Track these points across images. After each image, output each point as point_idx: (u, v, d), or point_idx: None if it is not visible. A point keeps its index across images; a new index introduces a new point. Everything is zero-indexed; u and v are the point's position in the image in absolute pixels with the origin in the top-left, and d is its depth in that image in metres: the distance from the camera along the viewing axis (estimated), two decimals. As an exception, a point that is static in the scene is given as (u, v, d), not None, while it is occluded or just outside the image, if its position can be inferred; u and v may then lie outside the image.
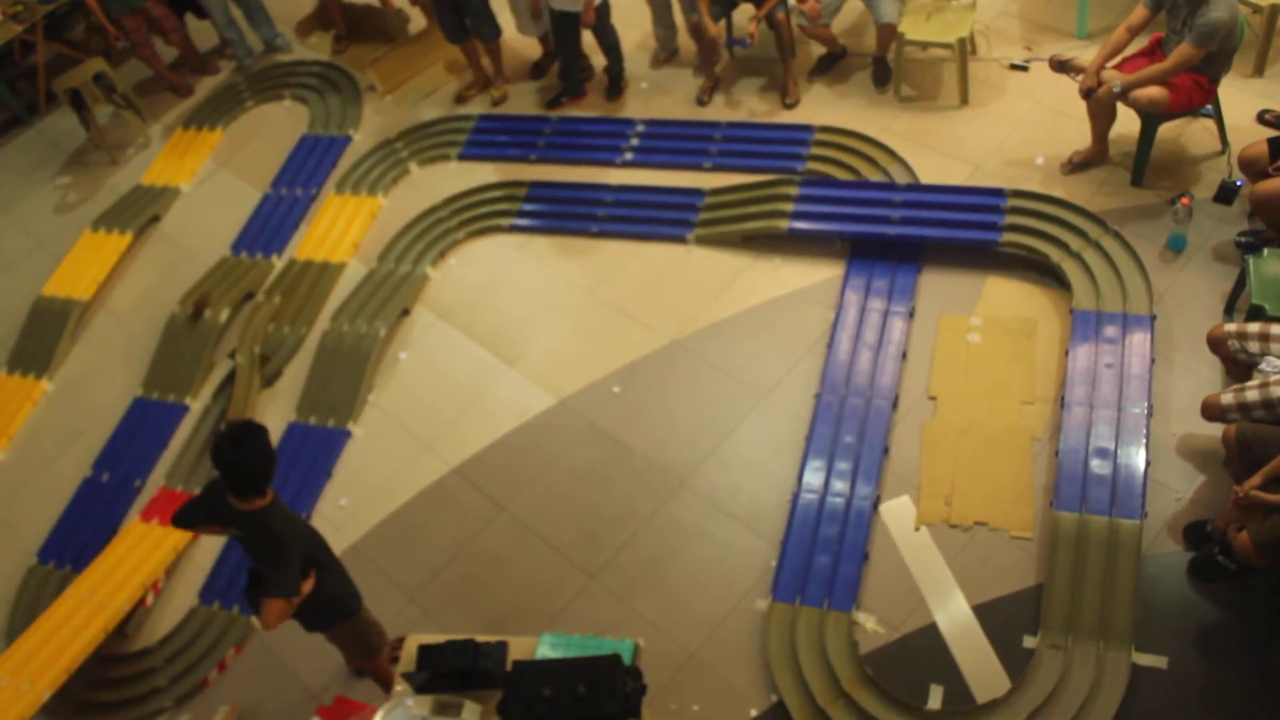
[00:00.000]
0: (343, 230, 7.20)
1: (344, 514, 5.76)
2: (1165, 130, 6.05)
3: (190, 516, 4.32)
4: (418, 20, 8.40)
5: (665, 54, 7.81)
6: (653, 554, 5.28)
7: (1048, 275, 5.87)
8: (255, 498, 3.98)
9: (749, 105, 7.32)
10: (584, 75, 7.73)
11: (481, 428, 5.94)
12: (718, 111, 7.34)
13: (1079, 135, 6.33)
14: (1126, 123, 6.08)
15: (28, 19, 8.59)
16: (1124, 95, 5.72)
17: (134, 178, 8.15)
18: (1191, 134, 6.35)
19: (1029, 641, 4.62)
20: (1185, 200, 5.72)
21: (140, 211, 7.75)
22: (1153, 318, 5.46)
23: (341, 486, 5.90)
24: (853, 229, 6.23)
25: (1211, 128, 6.21)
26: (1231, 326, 4.84)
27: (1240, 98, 6.35)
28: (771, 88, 7.38)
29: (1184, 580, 4.70)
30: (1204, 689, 4.41)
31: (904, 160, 6.56)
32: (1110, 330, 5.46)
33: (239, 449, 3.89)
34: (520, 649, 4.23)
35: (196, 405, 6.49)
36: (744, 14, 7.08)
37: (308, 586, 4.15)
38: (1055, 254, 5.81)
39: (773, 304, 6.14)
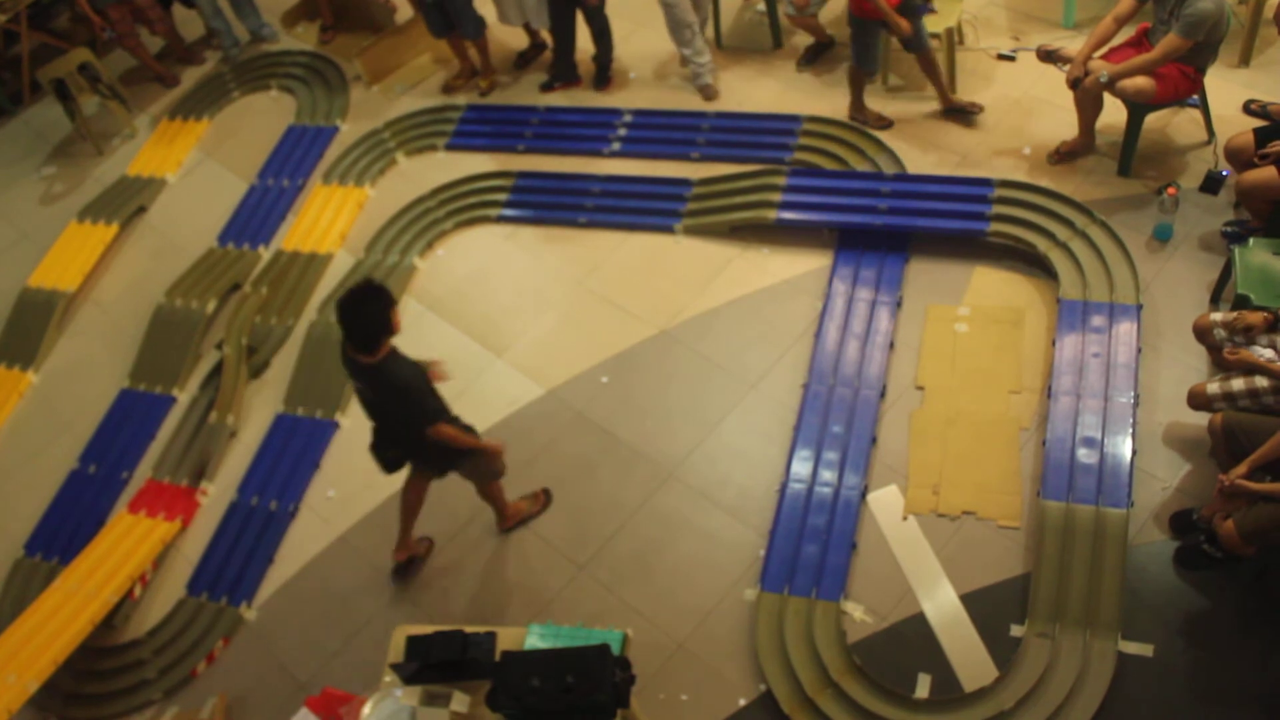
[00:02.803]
0: (330, 221, 7.18)
1: (332, 505, 5.76)
2: (1152, 120, 6.07)
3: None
4: (404, 10, 8.37)
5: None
6: (641, 544, 5.29)
7: (1035, 265, 5.89)
8: (372, 352, 4.35)
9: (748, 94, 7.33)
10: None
11: (470, 418, 5.86)
12: (707, 101, 7.33)
13: (1066, 125, 6.34)
14: (1113, 113, 6.09)
15: (11, 8, 8.54)
16: (1111, 85, 5.72)
17: (120, 168, 8.11)
18: (1178, 124, 6.37)
19: (1016, 630, 4.65)
20: (1171, 190, 5.74)
21: (126, 202, 7.72)
22: (1139, 307, 5.48)
23: (330, 478, 5.89)
24: (840, 219, 6.23)
25: (1198, 118, 6.23)
26: (1217, 316, 4.86)
27: (1226, 88, 6.37)
28: (763, 76, 7.38)
29: (1170, 569, 4.73)
30: (1190, 676, 4.43)
31: (891, 150, 6.57)
32: (1097, 320, 5.48)
33: (354, 307, 4.28)
34: (509, 639, 4.24)
35: (184, 397, 6.47)
36: None
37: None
38: (1042, 244, 5.82)
39: (760, 294, 6.14)
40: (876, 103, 6.95)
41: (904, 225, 6.11)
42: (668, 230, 6.60)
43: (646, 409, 5.76)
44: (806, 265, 6.22)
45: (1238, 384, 4.62)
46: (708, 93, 7.35)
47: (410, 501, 5.19)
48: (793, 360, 5.80)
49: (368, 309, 4.30)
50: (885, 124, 6.85)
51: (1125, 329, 5.42)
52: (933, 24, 6.69)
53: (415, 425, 4.56)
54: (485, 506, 5.52)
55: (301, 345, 6.46)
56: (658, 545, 5.27)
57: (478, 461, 4.94)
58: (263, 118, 8.24)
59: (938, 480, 5.19)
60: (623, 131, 7.25)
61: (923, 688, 4.57)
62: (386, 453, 4.84)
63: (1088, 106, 6.12)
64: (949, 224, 6.04)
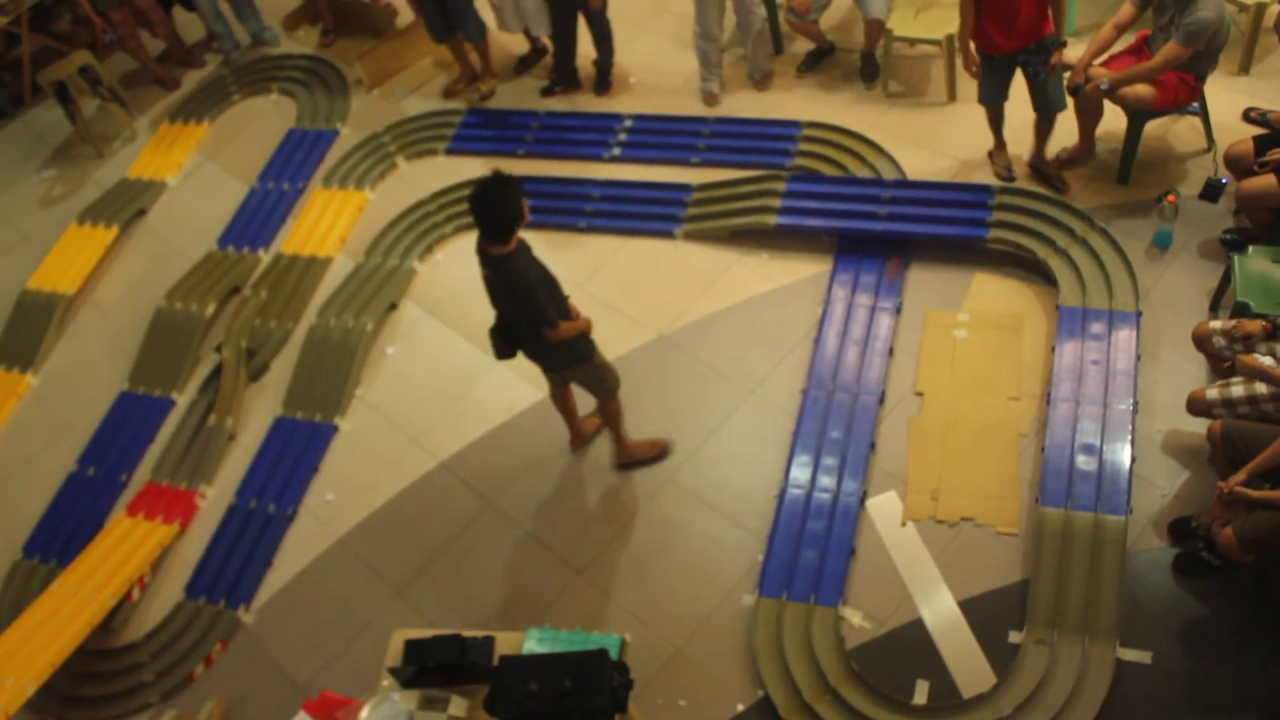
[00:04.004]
0: (330, 224, 7.18)
1: (331, 508, 5.76)
2: (1152, 128, 6.07)
3: None
4: (405, 14, 8.38)
5: (719, 85, 7.43)
6: (640, 549, 5.28)
7: (1034, 272, 5.89)
8: (500, 243, 4.51)
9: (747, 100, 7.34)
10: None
11: (469, 422, 5.94)
12: (707, 106, 7.33)
13: (1066, 132, 6.34)
14: (1113, 120, 6.10)
15: (13, 11, 8.56)
16: (1111, 92, 5.73)
17: (120, 171, 8.12)
18: (1178, 132, 6.37)
19: (1014, 637, 4.64)
20: (1171, 198, 5.74)
21: (126, 205, 7.73)
22: (1138, 314, 5.48)
23: (328, 481, 5.89)
24: (840, 224, 6.23)
25: (1198, 125, 6.24)
26: (1216, 324, 4.86)
27: (1226, 95, 6.38)
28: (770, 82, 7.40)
29: (1168, 576, 4.73)
30: (1188, 684, 4.43)
31: (891, 156, 6.57)
32: (1096, 326, 5.48)
33: (485, 195, 4.39)
34: (507, 644, 4.24)
35: (183, 400, 6.47)
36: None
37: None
38: (1042, 250, 5.82)
39: (760, 299, 6.14)
40: (876, 109, 6.96)
41: (904, 231, 6.11)
42: (668, 235, 6.60)
43: (645, 413, 5.75)
44: (806, 270, 6.22)
45: (1237, 390, 4.62)
46: (710, 100, 7.36)
47: (561, 403, 5.48)
48: (792, 365, 5.81)
49: (498, 196, 4.39)
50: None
51: (1124, 336, 5.42)
52: (934, 30, 6.71)
53: (533, 324, 4.71)
54: (481, 511, 5.53)
55: (301, 348, 6.46)
56: (656, 550, 5.27)
57: (591, 370, 5.09)
58: (263, 121, 8.24)
59: (936, 486, 5.19)
60: (623, 136, 7.25)
61: (921, 694, 4.57)
62: (501, 340, 4.97)
63: (1088, 113, 6.13)
64: (949, 230, 6.05)
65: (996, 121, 6.30)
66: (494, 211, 4.42)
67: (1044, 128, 6.18)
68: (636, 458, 5.55)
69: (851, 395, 5.55)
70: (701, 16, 7.02)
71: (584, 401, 5.66)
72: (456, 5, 7.24)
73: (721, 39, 7.24)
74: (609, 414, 5.38)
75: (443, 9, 7.28)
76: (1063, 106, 6.02)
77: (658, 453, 5.58)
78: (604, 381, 5.21)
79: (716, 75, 7.34)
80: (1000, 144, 6.39)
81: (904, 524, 5.11)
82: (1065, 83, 5.88)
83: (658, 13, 8.02)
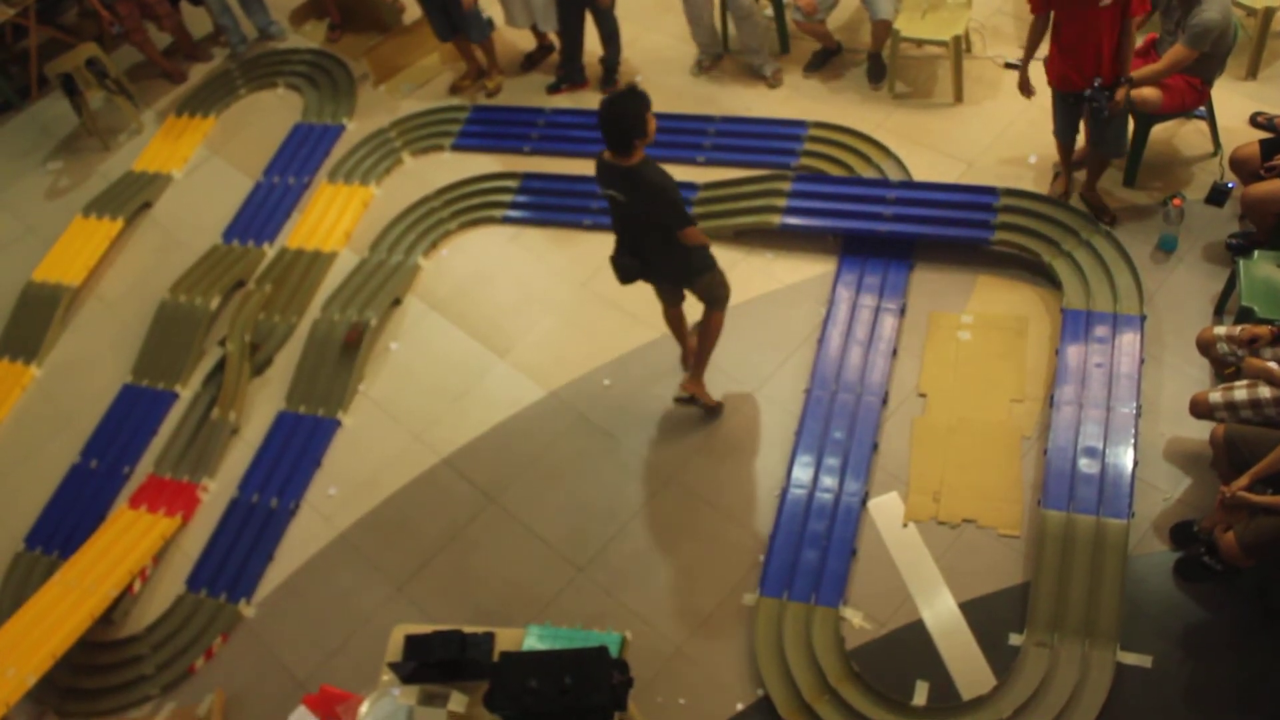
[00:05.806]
0: (335, 219, 7.18)
1: (333, 503, 5.76)
2: (1158, 131, 6.06)
3: None
4: (412, 10, 8.37)
5: (709, 61, 7.70)
6: (641, 547, 5.29)
7: (1039, 274, 5.88)
8: (627, 154, 4.69)
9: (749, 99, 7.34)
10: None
11: (472, 419, 5.94)
12: (713, 105, 7.33)
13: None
14: (1120, 123, 6.09)
15: (20, 2, 8.56)
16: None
17: (126, 164, 8.12)
18: (1184, 135, 6.36)
19: (1015, 639, 4.64)
20: (1177, 201, 5.73)
21: (132, 198, 7.73)
22: (1143, 318, 5.48)
23: (331, 476, 5.89)
24: (845, 225, 6.23)
25: (1204, 129, 6.23)
26: (1221, 330, 4.86)
27: (1233, 100, 6.36)
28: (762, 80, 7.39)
29: (1170, 580, 4.72)
30: (1188, 688, 4.43)
31: (897, 157, 6.56)
32: (1100, 330, 5.47)
33: (612, 107, 4.59)
34: (508, 640, 4.24)
35: (186, 393, 6.48)
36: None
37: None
38: (1047, 253, 5.82)
39: (764, 299, 6.14)
40: (882, 110, 6.96)
41: (909, 232, 6.10)
42: (672, 234, 6.60)
43: (648, 411, 5.76)
44: (811, 271, 6.22)
45: (1240, 394, 4.61)
46: (698, 70, 7.67)
47: (675, 324, 5.71)
48: (795, 365, 5.80)
49: (625, 108, 4.57)
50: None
51: (1128, 339, 5.42)
52: (941, 31, 6.71)
53: (670, 227, 4.84)
54: (483, 508, 5.53)
55: (304, 343, 6.46)
56: (657, 548, 5.27)
57: (712, 277, 5.25)
58: (269, 115, 8.25)
59: (939, 487, 5.19)
60: (629, 134, 7.24)
61: (920, 695, 4.57)
62: (625, 262, 5.15)
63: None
64: (954, 232, 6.04)
65: (1064, 153, 6.10)
66: (622, 121, 4.57)
67: (1096, 165, 6.02)
68: (699, 397, 5.64)
69: (855, 396, 5.55)
70: (687, 4, 7.24)
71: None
72: (459, 7, 7.23)
73: (709, 25, 7.42)
74: (711, 328, 5.47)
75: (445, 11, 7.29)
76: (1119, 153, 5.92)
77: (715, 405, 5.70)
78: (719, 288, 5.35)
79: (709, 54, 7.57)
80: (1066, 172, 6.18)
81: (905, 525, 5.11)
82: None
83: (664, 10, 8.01)
